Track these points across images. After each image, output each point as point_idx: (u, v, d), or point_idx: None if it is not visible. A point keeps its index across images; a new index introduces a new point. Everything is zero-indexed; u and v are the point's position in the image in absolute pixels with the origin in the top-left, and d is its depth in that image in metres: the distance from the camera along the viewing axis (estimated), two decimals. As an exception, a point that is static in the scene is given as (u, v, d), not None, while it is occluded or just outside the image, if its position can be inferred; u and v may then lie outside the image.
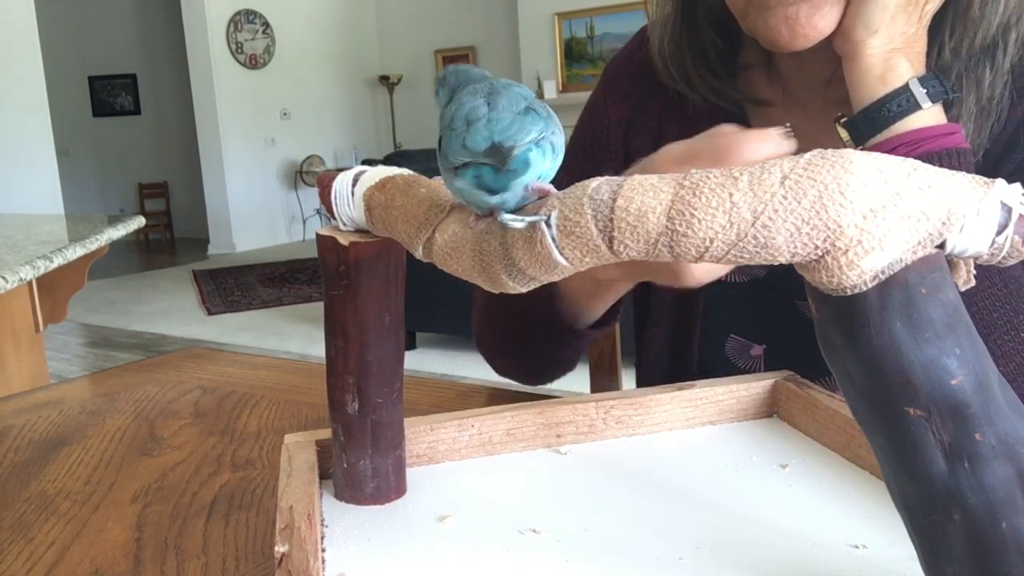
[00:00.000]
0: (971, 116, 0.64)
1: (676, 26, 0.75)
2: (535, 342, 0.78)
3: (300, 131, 8.26)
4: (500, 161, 0.38)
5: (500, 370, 0.87)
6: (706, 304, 0.77)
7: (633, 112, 0.81)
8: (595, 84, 0.88)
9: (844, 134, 0.62)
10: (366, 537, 0.49)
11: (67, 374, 4.08)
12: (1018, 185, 0.31)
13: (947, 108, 0.63)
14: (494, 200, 0.39)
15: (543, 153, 0.40)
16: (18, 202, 4.80)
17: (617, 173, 0.84)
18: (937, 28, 0.62)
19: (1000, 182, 0.31)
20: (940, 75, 0.60)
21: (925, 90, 0.58)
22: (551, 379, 0.84)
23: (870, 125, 0.60)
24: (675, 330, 0.79)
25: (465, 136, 0.40)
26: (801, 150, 0.82)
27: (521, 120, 0.39)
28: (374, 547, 0.48)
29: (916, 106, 0.58)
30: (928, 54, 0.62)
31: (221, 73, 7.57)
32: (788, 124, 0.74)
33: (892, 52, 0.59)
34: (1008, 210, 0.31)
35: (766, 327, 0.76)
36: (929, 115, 0.59)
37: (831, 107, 0.72)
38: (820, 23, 0.61)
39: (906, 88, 0.59)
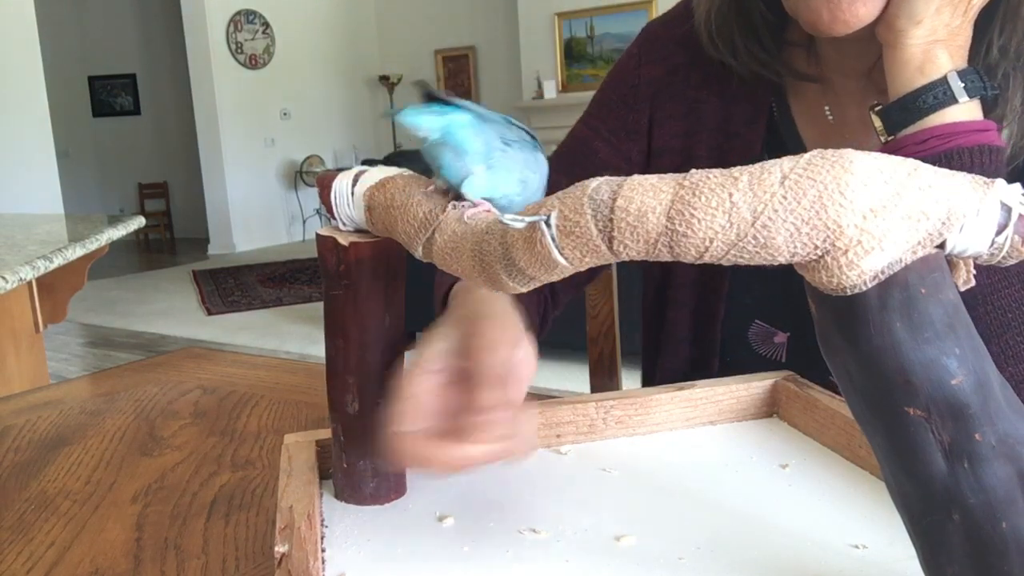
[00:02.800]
0: (1016, 116, 0.63)
1: None
2: None
3: (300, 131, 8.26)
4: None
5: None
6: (731, 288, 0.77)
7: (667, 75, 0.81)
8: (594, 84, 0.88)
9: (877, 122, 0.61)
10: (366, 537, 0.49)
11: (67, 374, 4.08)
12: (1018, 185, 0.31)
13: (992, 107, 0.62)
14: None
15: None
16: (18, 202, 4.80)
17: (640, 133, 0.83)
18: (986, 25, 0.62)
19: (1000, 182, 0.31)
20: (980, 71, 0.59)
21: (963, 84, 0.58)
22: None
23: (904, 115, 0.60)
24: (697, 313, 0.79)
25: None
26: (835, 133, 0.81)
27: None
28: (374, 547, 0.48)
29: (952, 99, 0.58)
30: (976, 51, 0.61)
31: (221, 73, 7.56)
32: (826, 107, 0.75)
33: (933, 44, 0.59)
34: (1008, 210, 0.31)
35: (791, 314, 0.75)
36: (965, 110, 0.58)
37: (869, 94, 0.71)
38: (861, 10, 0.60)
39: (944, 81, 0.58)
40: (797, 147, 0.76)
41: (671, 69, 0.81)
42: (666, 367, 0.82)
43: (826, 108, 0.75)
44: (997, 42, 0.62)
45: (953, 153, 0.57)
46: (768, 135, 0.76)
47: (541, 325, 0.82)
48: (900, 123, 0.60)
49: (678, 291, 0.80)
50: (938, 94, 0.58)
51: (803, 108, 0.76)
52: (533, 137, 0.51)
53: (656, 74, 0.81)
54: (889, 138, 0.61)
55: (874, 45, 0.63)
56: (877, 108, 0.62)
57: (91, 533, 0.59)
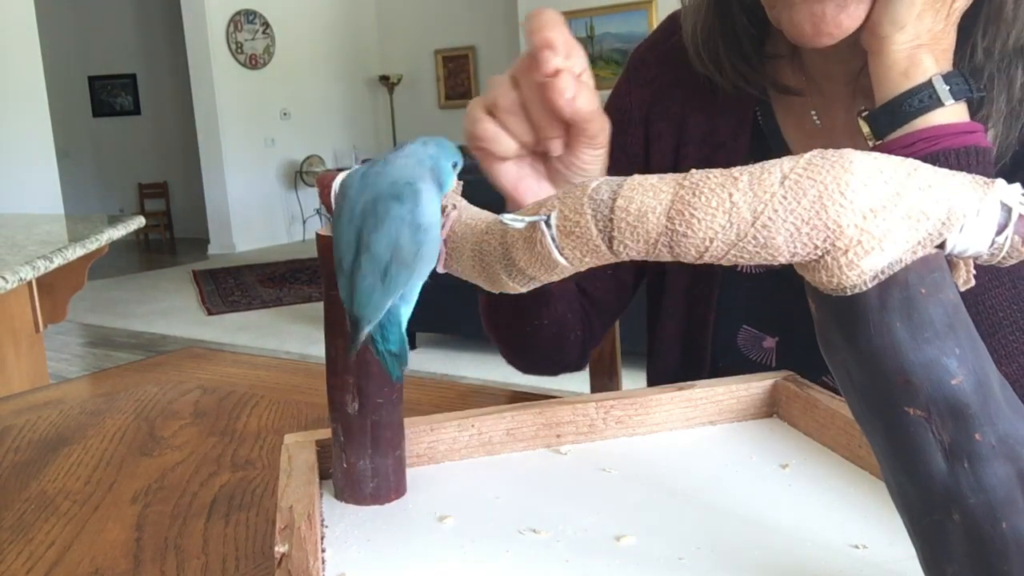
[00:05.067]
0: (1001, 117, 0.64)
1: (710, 12, 0.75)
2: (514, 318, 0.77)
3: (300, 131, 8.26)
4: (355, 330, 0.43)
5: (505, 358, 0.86)
6: (720, 294, 0.77)
7: (655, 97, 0.82)
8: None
9: (865, 128, 0.62)
10: (366, 537, 0.49)
11: (67, 374, 4.08)
12: (1018, 185, 0.31)
13: (978, 108, 0.62)
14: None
15: (407, 299, 0.44)
16: (18, 202, 4.80)
17: (638, 155, 0.84)
18: (970, 28, 0.62)
19: (1000, 182, 0.31)
20: (965, 73, 0.60)
21: (948, 87, 0.58)
22: (547, 364, 0.82)
23: (890, 120, 0.60)
24: (688, 320, 0.80)
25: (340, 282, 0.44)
26: (824, 141, 0.81)
27: (380, 291, 0.42)
28: (374, 547, 0.48)
29: (938, 103, 0.58)
30: (961, 54, 0.62)
31: (221, 73, 7.56)
32: (814, 112, 0.75)
33: (917, 48, 0.59)
34: (1008, 210, 0.31)
35: (779, 319, 0.76)
36: (951, 112, 0.59)
37: (857, 99, 0.72)
38: (846, 22, 0.61)
39: (929, 84, 0.59)
40: (783, 154, 0.77)
41: (658, 90, 0.82)
42: (659, 373, 0.82)
43: (813, 113, 0.75)
44: (981, 44, 0.62)
45: (940, 155, 0.58)
46: (754, 144, 0.77)
47: (581, 358, 0.84)
48: (887, 128, 0.60)
49: (669, 299, 0.80)
50: (923, 98, 0.59)
51: (789, 115, 0.77)
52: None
53: (645, 97, 0.83)
54: (876, 143, 0.61)
55: (860, 51, 0.63)
56: (864, 113, 0.62)
57: (91, 533, 0.59)
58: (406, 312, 0.44)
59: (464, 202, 0.46)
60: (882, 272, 0.31)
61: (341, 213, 0.43)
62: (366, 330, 0.42)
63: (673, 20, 0.83)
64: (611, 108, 0.85)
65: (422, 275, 0.44)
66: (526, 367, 0.84)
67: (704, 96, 0.79)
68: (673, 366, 0.81)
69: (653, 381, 0.84)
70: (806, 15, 0.61)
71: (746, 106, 0.77)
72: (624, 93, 0.84)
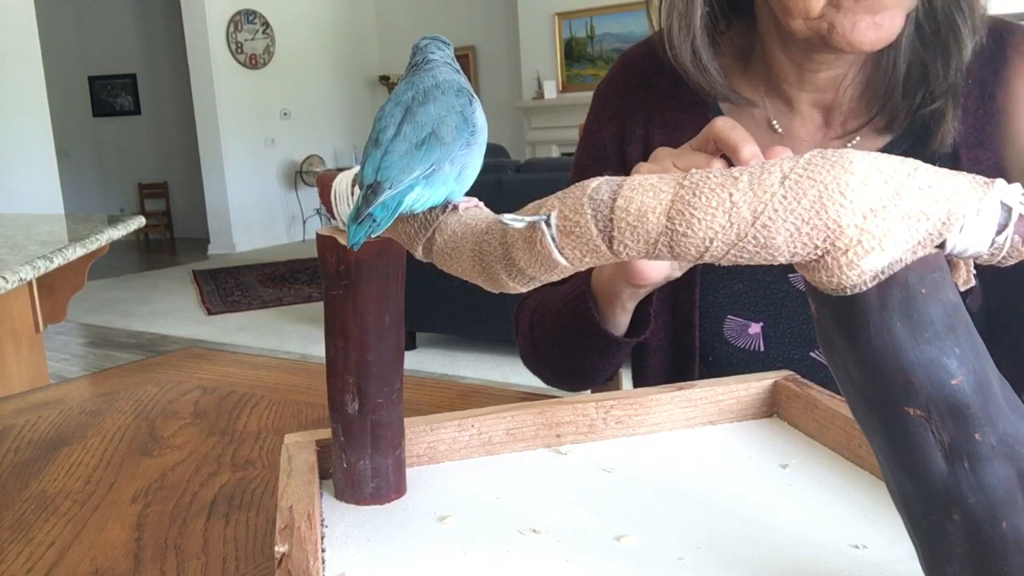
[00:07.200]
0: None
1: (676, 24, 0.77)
2: (582, 355, 0.80)
3: (300, 131, 8.26)
4: (372, 195, 0.41)
5: (544, 379, 0.90)
6: (702, 289, 0.79)
7: (623, 127, 0.85)
8: (594, 84, 0.91)
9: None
10: (366, 537, 0.49)
11: (67, 374, 4.08)
12: (1018, 185, 0.31)
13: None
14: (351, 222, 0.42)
15: (431, 184, 0.42)
16: (18, 202, 4.80)
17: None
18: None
19: (1000, 182, 0.31)
20: None
21: None
22: (594, 385, 0.87)
23: None
24: (674, 321, 0.81)
25: (365, 161, 0.42)
26: (782, 144, 0.84)
27: (411, 155, 0.41)
28: (374, 547, 0.48)
29: None
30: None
31: (221, 73, 7.56)
32: (775, 121, 0.77)
33: None
34: (1008, 210, 0.31)
35: (762, 304, 0.78)
36: None
37: (818, 105, 0.76)
38: (896, 30, 0.66)
39: None
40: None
41: (624, 119, 0.85)
42: (648, 372, 0.84)
43: (774, 122, 0.78)
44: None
45: None
46: None
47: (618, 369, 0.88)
48: None
49: (654, 302, 0.82)
50: None
51: (746, 124, 0.79)
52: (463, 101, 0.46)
53: (614, 130, 0.86)
54: None
55: (846, 56, 0.68)
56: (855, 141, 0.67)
57: (91, 533, 0.59)
58: (419, 198, 0.43)
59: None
60: (882, 272, 0.31)
61: (387, 102, 0.44)
62: (387, 193, 0.41)
63: (626, 57, 0.87)
64: (587, 146, 0.89)
65: (461, 174, 0.43)
66: (573, 389, 0.88)
67: (664, 112, 0.82)
68: (663, 365, 0.83)
69: (642, 381, 0.85)
70: (869, 24, 0.64)
71: (702, 118, 0.79)
72: (595, 131, 0.87)
